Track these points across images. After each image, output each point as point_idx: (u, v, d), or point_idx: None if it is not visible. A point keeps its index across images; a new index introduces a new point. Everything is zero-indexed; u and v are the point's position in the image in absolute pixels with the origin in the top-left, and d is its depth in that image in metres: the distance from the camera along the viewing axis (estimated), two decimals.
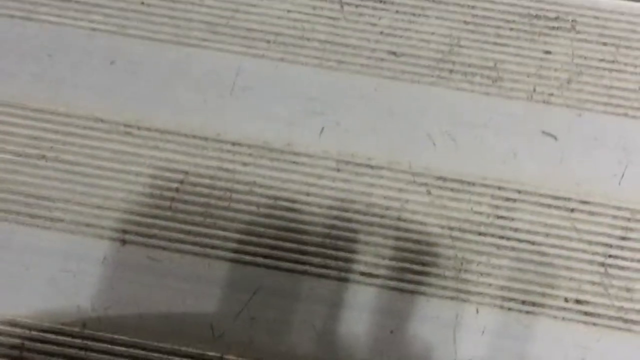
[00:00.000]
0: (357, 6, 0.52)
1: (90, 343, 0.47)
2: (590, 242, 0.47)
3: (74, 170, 0.49)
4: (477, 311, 0.47)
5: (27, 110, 0.50)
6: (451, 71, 0.50)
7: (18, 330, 0.47)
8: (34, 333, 0.47)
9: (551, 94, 0.50)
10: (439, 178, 0.49)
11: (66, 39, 0.51)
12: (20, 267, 0.48)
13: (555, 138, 0.49)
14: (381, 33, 0.51)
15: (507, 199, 0.48)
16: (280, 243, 0.48)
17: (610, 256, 0.47)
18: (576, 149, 0.49)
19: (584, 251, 0.47)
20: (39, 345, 0.47)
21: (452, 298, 0.47)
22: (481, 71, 0.50)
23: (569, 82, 0.50)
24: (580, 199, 0.48)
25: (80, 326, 0.47)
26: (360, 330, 0.47)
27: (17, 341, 0.47)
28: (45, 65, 0.51)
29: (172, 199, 0.48)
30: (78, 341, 0.47)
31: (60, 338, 0.47)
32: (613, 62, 0.50)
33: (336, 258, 0.47)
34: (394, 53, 0.51)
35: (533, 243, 0.47)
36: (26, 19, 0.52)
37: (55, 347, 0.47)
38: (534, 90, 0.50)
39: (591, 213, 0.48)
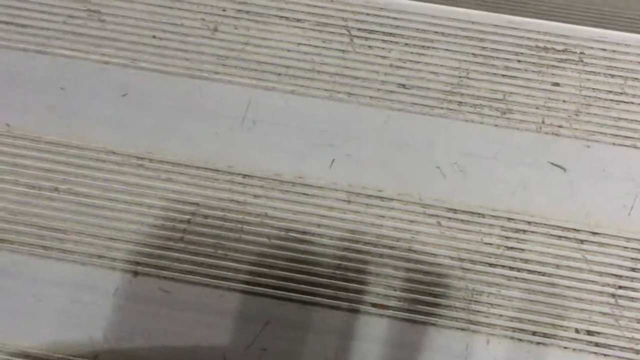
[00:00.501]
0: (366, 39, 0.52)
1: None
2: (600, 273, 0.48)
3: (87, 202, 0.49)
4: (488, 342, 0.47)
5: (40, 143, 0.50)
6: (460, 103, 0.51)
7: None
8: None
9: (560, 126, 0.50)
10: (449, 209, 0.49)
11: (79, 71, 0.52)
12: (33, 298, 0.48)
13: (564, 169, 0.49)
14: (391, 66, 0.51)
15: (517, 230, 0.48)
16: (291, 274, 0.48)
17: (620, 287, 0.47)
18: (585, 180, 0.49)
19: (594, 282, 0.47)
20: None
21: (462, 329, 0.47)
22: (490, 103, 0.51)
23: (577, 114, 0.50)
24: (590, 230, 0.48)
25: (92, 358, 0.47)
26: None
27: None
28: (58, 98, 0.51)
29: (184, 231, 0.48)
30: None
31: None
32: (621, 94, 0.51)
33: (347, 289, 0.48)
34: (403, 85, 0.51)
35: (543, 274, 0.48)
36: (39, 52, 0.52)
37: None
38: (543, 122, 0.50)
39: (601, 244, 0.48)
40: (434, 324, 0.47)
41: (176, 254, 0.48)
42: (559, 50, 0.52)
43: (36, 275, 0.48)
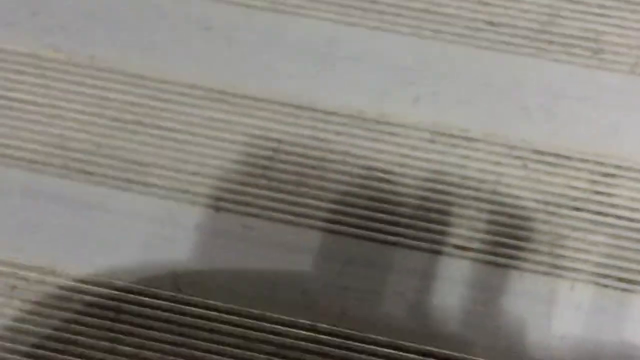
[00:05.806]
0: None
1: (184, 307, 0.47)
2: None
3: (170, 136, 0.49)
4: (572, 287, 0.46)
5: (124, 76, 0.50)
6: (550, 42, 0.49)
7: (114, 293, 0.47)
8: (130, 296, 0.47)
9: None
10: (536, 151, 0.48)
11: (162, 4, 0.51)
12: (116, 230, 0.48)
13: None
14: (479, 2, 0.50)
15: (606, 174, 0.47)
16: (373, 213, 0.48)
17: None
18: None
19: None
20: (134, 308, 0.47)
21: (546, 273, 0.46)
22: (581, 42, 0.49)
23: None
24: None
25: (175, 291, 0.47)
26: (453, 303, 0.46)
27: (113, 303, 0.47)
28: (141, 31, 0.51)
29: (266, 167, 0.48)
30: (172, 304, 0.47)
31: (155, 301, 0.47)
32: None
33: (429, 230, 0.47)
34: (491, 23, 0.50)
35: (632, 220, 0.46)
36: None
37: (149, 310, 0.47)
38: (636, 63, 0.48)
39: None
40: (516, 268, 0.46)
41: (258, 191, 0.48)
42: None
43: (119, 208, 0.49)
